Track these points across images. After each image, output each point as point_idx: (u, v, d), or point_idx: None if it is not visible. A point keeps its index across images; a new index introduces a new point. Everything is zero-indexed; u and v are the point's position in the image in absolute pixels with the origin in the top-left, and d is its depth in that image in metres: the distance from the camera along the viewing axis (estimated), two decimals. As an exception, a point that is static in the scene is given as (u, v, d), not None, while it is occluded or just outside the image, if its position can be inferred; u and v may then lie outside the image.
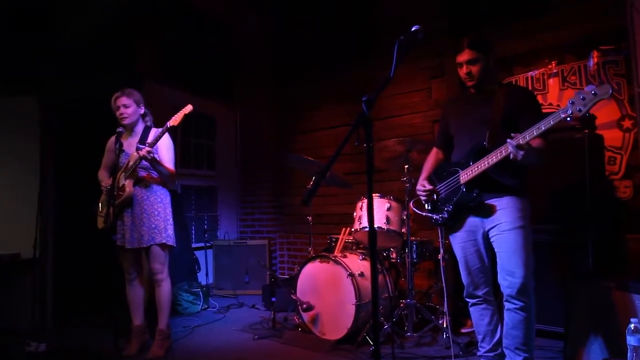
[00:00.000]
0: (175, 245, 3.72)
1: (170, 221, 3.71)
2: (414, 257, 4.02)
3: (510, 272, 2.61)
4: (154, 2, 4.92)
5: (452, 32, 4.75)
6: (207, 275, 5.92)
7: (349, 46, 5.83)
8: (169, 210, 3.72)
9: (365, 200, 3.18)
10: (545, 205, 3.52)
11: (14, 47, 4.52)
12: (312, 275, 4.00)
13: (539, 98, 4.37)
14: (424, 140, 4.16)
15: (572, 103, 2.16)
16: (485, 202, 2.70)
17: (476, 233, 2.79)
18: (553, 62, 4.37)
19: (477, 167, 2.63)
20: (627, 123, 3.97)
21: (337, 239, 4.52)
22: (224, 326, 4.55)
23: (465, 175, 2.71)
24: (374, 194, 3.95)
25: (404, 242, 3.99)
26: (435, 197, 2.93)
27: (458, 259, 2.92)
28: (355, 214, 4.17)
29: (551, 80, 4.38)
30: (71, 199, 4.73)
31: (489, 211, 2.69)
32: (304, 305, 3.92)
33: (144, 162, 3.50)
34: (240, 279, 5.84)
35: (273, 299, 4.45)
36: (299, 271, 4.09)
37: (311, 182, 3.91)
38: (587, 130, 3.57)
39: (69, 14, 4.66)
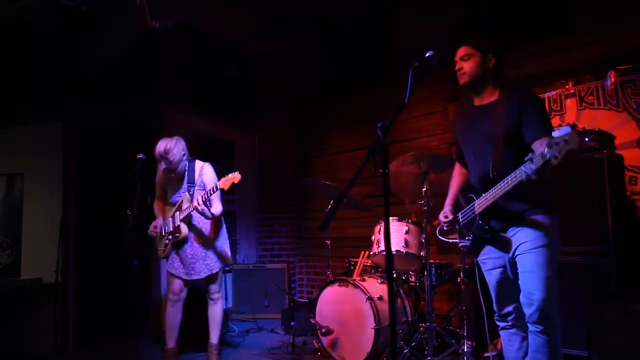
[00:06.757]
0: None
1: (228, 243, 4.02)
2: (433, 280, 3.98)
3: (528, 294, 2.52)
4: (173, 31, 5.03)
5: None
6: (226, 299, 5.91)
7: (365, 70, 5.89)
8: (225, 233, 4.03)
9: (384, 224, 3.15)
10: (566, 226, 3.46)
11: (39, 76, 4.66)
12: (331, 299, 3.99)
13: (557, 119, 4.38)
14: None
15: (550, 146, 2.01)
16: (501, 234, 2.64)
17: (503, 259, 2.71)
18: (570, 82, 4.36)
19: (486, 199, 2.57)
20: (646, 142, 3.93)
21: (355, 263, 4.50)
22: (244, 350, 4.55)
23: (478, 207, 2.65)
24: (391, 217, 3.99)
25: (423, 265, 3.96)
26: (457, 225, 2.90)
27: (488, 284, 2.85)
28: (373, 237, 4.16)
29: (568, 101, 4.36)
30: (92, 224, 4.81)
31: (507, 242, 2.63)
32: (323, 330, 3.90)
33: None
34: (259, 303, 5.82)
35: (292, 323, 4.44)
36: (318, 295, 4.09)
37: (329, 207, 3.94)
38: (606, 151, 3.55)
39: (93, 44, 4.80)
